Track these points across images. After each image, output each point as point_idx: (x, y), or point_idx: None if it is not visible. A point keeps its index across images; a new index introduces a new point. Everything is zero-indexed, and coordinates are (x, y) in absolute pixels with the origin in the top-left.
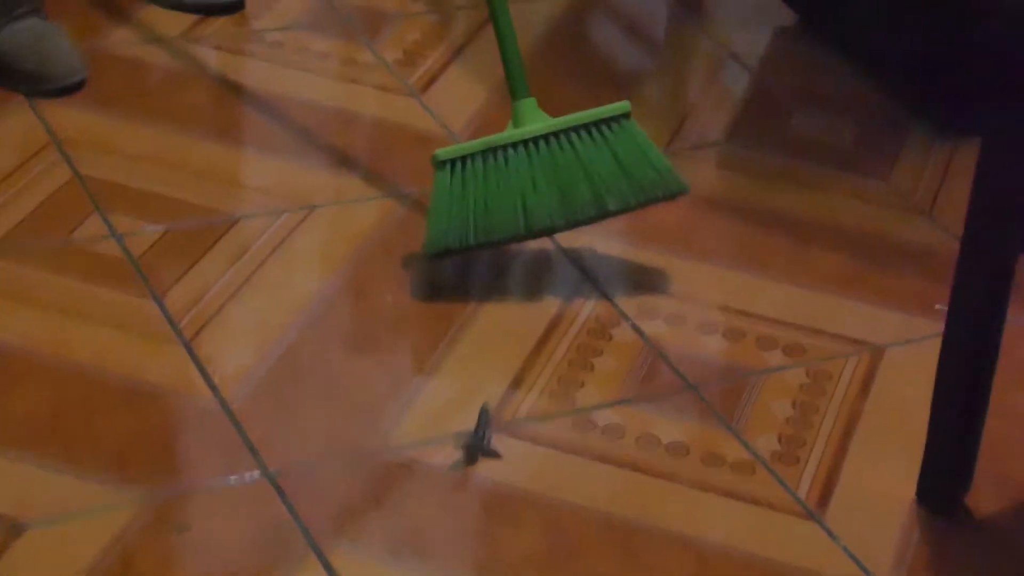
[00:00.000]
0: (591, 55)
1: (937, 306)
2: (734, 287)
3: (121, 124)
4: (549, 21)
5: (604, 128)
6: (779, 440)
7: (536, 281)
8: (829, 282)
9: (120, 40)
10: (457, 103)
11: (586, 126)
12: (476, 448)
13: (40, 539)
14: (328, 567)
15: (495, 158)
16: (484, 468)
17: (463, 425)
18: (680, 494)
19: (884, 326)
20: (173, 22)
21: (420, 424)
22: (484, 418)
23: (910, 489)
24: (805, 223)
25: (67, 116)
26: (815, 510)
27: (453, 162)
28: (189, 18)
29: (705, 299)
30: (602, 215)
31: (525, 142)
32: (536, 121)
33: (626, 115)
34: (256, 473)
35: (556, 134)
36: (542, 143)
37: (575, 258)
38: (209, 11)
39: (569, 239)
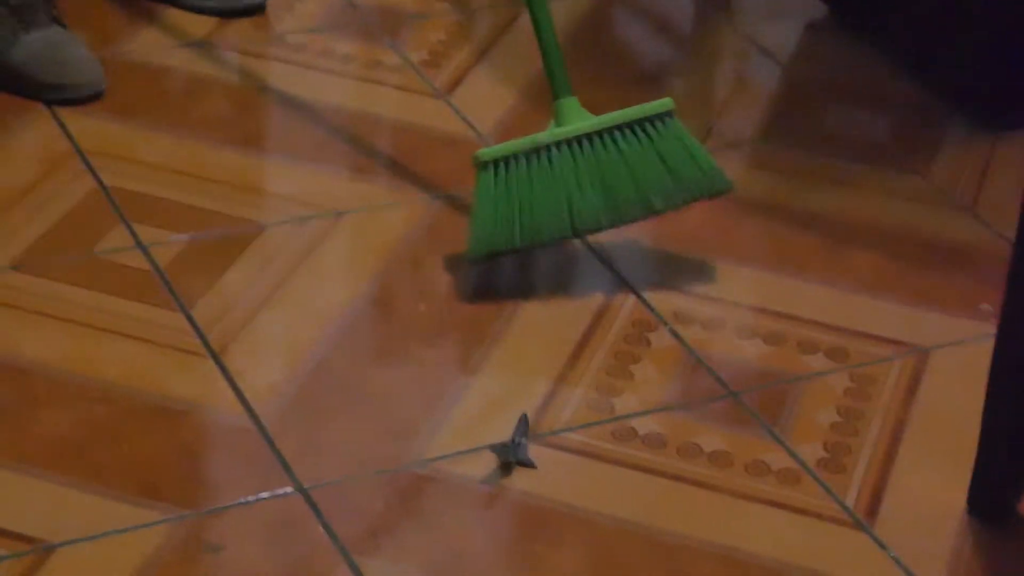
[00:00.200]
0: (617, 53)
1: (983, 306)
2: (771, 289)
3: (143, 133)
4: (573, 19)
5: (648, 126)
6: (824, 447)
7: (570, 286)
8: (869, 283)
9: (139, 47)
10: (485, 105)
11: (630, 124)
12: (511, 458)
13: (70, 560)
14: None
15: (539, 158)
16: (522, 481)
17: (499, 436)
18: (724, 505)
19: (928, 328)
20: (193, 26)
21: (455, 436)
22: (521, 428)
23: (961, 497)
24: (842, 222)
25: (88, 126)
26: (863, 519)
27: (496, 163)
28: (209, 22)
29: (743, 302)
30: (648, 214)
31: (569, 141)
32: (579, 120)
33: (670, 113)
34: (290, 489)
35: (600, 133)
36: (586, 142)
37: (608, 261)
38: (229, 14)
39: (601, 241)
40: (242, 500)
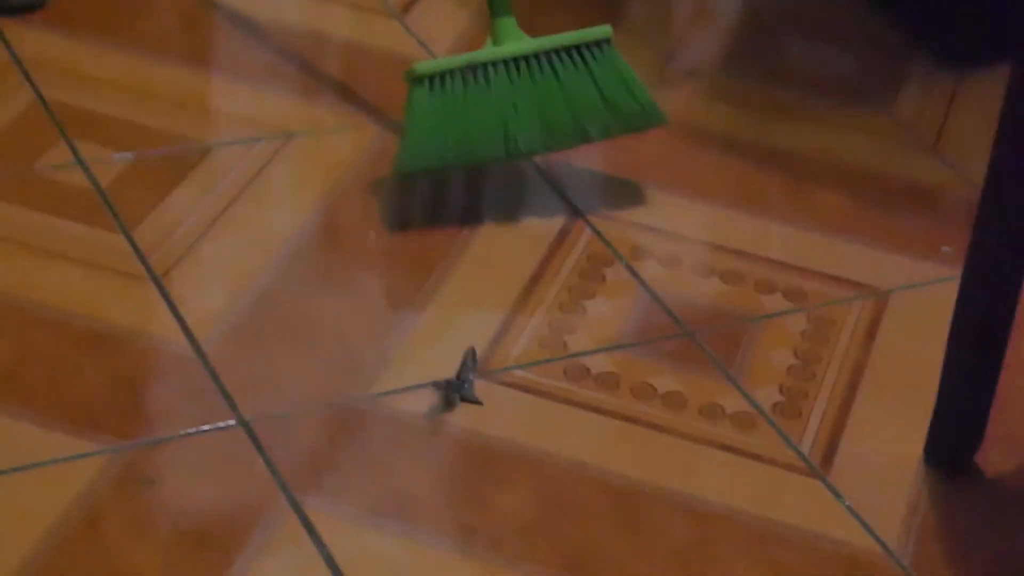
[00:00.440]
0: None
1: (944, 248)
2: (730, 226)
3: (85, 46)
4: None
5: (585, 52)
6: (780, 391)
7: (524, 216)
8: (829, 222)
9: None
10: (440, 25)
11: (568, 49)
12: (456, 393)
13: (1, 490)
14: (308, 525)
15: (475, 76)
16: (470, 419)
17: (448, 371)
18: (678, 448)
19: (888, 269)
20: None
21: (402, 371)
22: (468, 363)
23: (918, 446)
24: (803, 158)
25: (28, 37)
26: (819, 467)
27: (432, 78)
28: None
29: (701, 238)
30: (582, 142)
31: (506, 62)
32: (517, 40)
33: (608, 40)
34: (231, 422)
35: (538, 55)
36: (523, 64)
37: (563, 191)
38: None
39: (557, 172)
40: (181, 432)
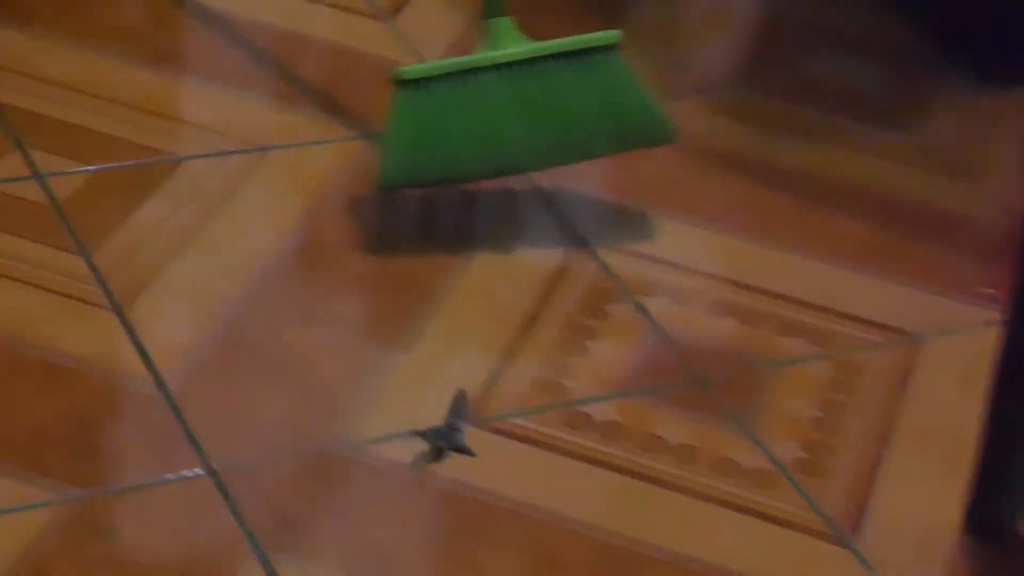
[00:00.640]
0: None
1: (986, 290)
2: (746, 258)
3: (44, 44)
4: None
5: (590, 59)
6: (802, 446)
7: (521, 242)
8: (852, 255)
9: None
10: (432, 30)
11: (570, 54)
12: (445, 442)
13: None
14: None
15: (466, 83)
16: (459, 471)
17: (434, 417)
18: (688, 508)
19: (920, 310)
20: None
21: (384, 415)
22: (458, 408)
23: (955, 511)
24: (823, 183)
25: None
26: (846, 533)
27: (418, 82)
28: None
29: (714, 272)
30: (583, 158)
31: (500, 67)
32: (514, 44)
33: (615, 46)
34: (197, 470)
35: (536, 60)
36: (520, 69)
37: (564, 215)
38: None
39: (557, 193)
40: (142, 481)
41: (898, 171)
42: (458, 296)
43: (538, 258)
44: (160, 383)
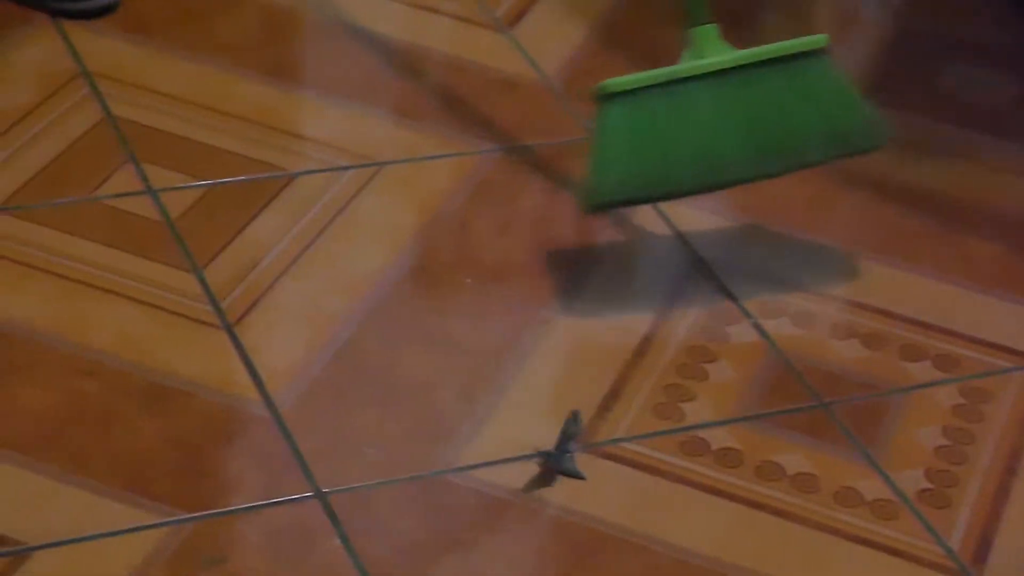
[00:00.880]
0: None
1: None
2: (873, 280)
3: (160, 56)
4: None
5: (799, 64)
6: (927, 476)
7: (640, 262)
8: (985, 277)
9: None
10: (550, 42)
11: (780, 60)
12: (556, 465)
13: (48, 567)
14: None
15: (675, 93)
16: (571, 497)
17: (548, 441)
18: (808, 539)
19: None
20: None
21: (497, 439)
22: (570, 429)
23: None
24: (957, 203)
25: (97, 44)
26: (969, 567)
27: (626, 95)
28: None
29: (839, 294)
30: (798, 166)
31: (709, 75)
32: (720, 52)
33: (824, 50)
34: (307, 493)
35: (746, 68)
36: (729, 78)
37: (684, 236)
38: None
39: (675, 211)
40: (250, 504)
41: None
42: (574, 316)
43: (655, 275)
44: (270, 404)
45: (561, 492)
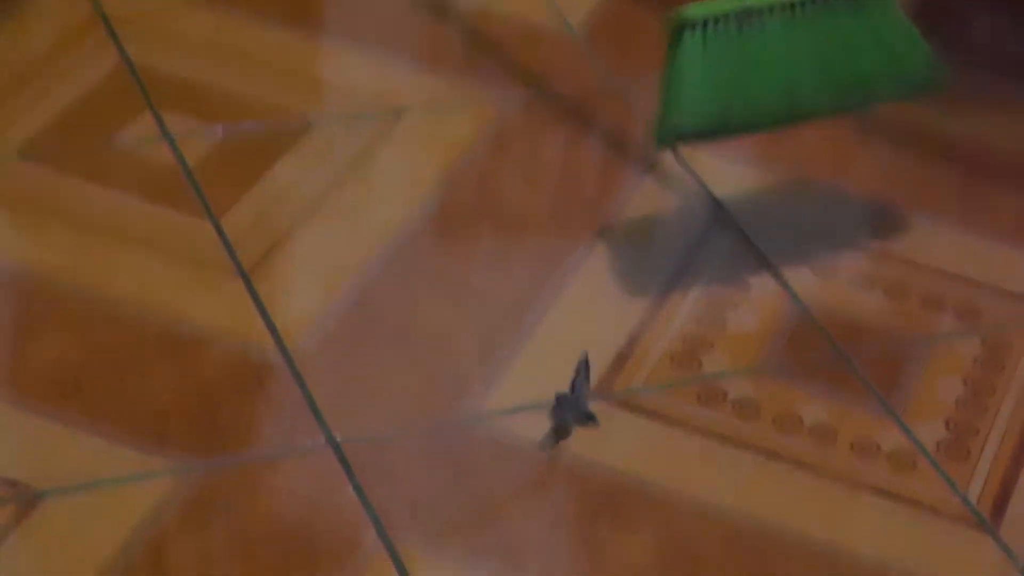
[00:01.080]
0: None
1: None
2: (896, 231)
3: (179, 1)
4: None
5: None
6: (946, 427)
7: (661, 213)
8: (1010, 229)
9: None
10: None
11: None
12: (569, 409)
13: (59, 512)
14: (401, 568)
15: (749, 25)
16: (588, 448)
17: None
18: (825, 490)
19: None
20: None
21: (515, 388)
22: (580, 373)
23: None
24: (983, 153)
25: None
26: (988, 519)
27: (703, 24)
28: None
29: (861, 244)
30: (868, 102)
31: (780, 7)
32: None
33: None
34: (320, 441)
35: (815, 1)
36: (800, 11)
37: (707, 185)
38: None
39: (698, 161)
40: (263, 452)
41: None
42: (593, 266)
43: (675, 225)
44: (286, 353)
45: (578, 442)
